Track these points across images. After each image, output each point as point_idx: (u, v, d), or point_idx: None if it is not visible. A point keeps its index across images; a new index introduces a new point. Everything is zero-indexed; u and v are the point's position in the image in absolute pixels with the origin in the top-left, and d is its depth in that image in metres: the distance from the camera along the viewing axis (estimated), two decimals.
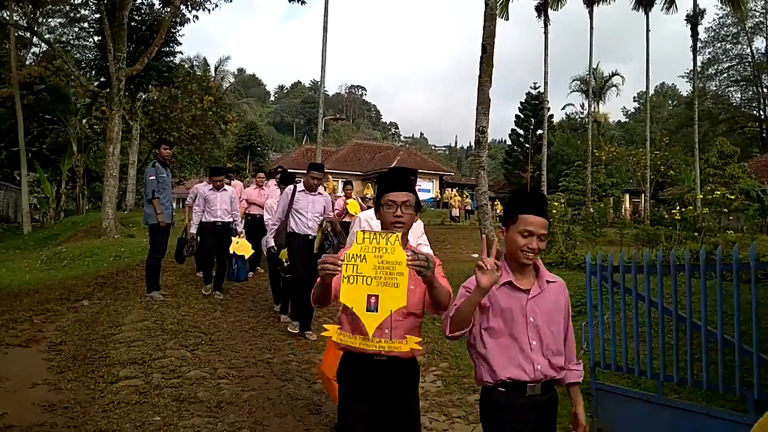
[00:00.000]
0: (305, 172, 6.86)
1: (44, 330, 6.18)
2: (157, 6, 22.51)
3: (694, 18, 32.58)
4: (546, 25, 33.84)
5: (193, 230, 8.03)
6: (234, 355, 5.58)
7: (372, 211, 4.64)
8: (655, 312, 4.23)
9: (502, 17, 30.58)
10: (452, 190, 38.34)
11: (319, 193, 6.78)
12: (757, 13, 43.84)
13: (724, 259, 3.86)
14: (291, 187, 6.84)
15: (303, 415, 4.36)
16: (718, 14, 44.38)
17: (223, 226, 8.08)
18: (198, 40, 69.66)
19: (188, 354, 5.48)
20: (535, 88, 49.65)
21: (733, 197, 12.66)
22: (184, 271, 9.46)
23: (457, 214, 30.02)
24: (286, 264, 6.75)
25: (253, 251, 8.56)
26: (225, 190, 8.18)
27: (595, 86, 42.73)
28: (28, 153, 21.85)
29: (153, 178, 7.63)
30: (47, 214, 24.39)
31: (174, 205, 8.38)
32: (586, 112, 41.51)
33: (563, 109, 73.42)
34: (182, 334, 6.13)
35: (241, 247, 8.12)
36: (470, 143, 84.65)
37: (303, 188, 6.74)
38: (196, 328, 6.43)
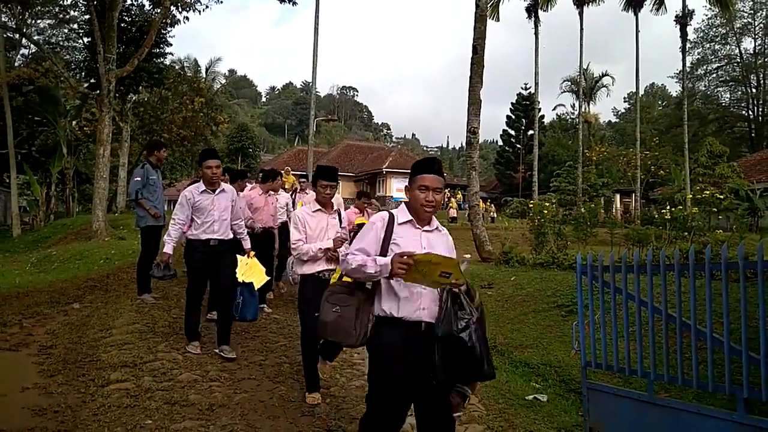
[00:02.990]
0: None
1: (34, 333, 6.13)
2: (147, 7, 22.46)
3: (683, 19, 32.87)
4: (536, 26, 34.07)
5: (168, 249, 5.58)
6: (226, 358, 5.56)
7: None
8: (645, 311, 4.26)
9: (492, 18, 30.71)
10: (447, 191, 38.35)
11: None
12: (746, 14, 44.28)
13: (713, 259, 3.89)
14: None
15: (295, 417, 4.35)
16: (706, 15, 44.85)
17: (220, 245, 5.62)
18: (189, 42, 69.58)
19: (180, 357, 5.46)
20: (526, 89, 49.92)
21: (722, 197, 12.76)
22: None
23: (455, 215, 30.10)
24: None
25: (268, 278, 6.13)
26: (224, 190, 5.72)
27: (586, 87, 42.99)
28: (18, 155, 21.67)
29: (138, 179, 7.55)
30: (37, 216, 24.19)
31: (166, 207, 8.19)
32: (576, 112, 41.76)
33: (554, 109, 73.69)
34: (173, 336, 6.10)
35: (251, 270, 5.65)
36: (462, 144, 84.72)
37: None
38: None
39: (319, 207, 4.74)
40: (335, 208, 5.37)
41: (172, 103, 28.08)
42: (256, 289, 5.61)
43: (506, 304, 8.42)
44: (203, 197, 5.56)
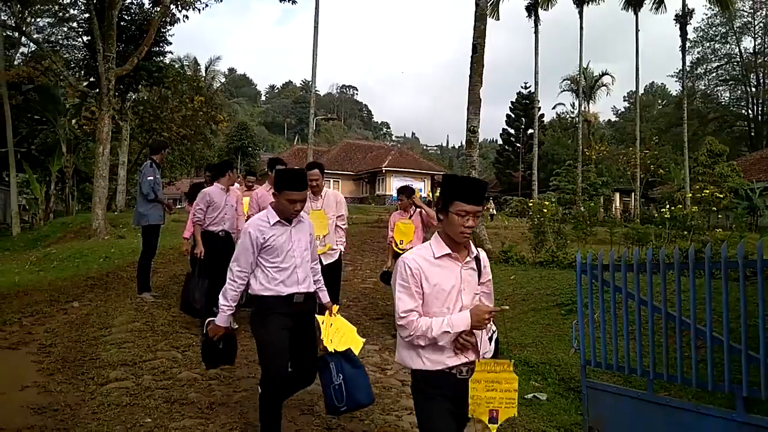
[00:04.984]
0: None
1: (34, 332, 6.14)
2: (146, 5, 22.47)
3: (683, 18, 32.86)
4: (536, 25, 34.04)
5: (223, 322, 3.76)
6: None
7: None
8: (644, 310, 4.26)
9: (492, 17, 30.68)
10: None
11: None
12: (745, 13, 44.30)
13: (712, 257, 3.88)
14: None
15: (294, 416, 4.35)
16: (706, 14, 44.86)
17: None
18: (188, 40, 69.43)
19: (179, 355, 5.46)
20: (526, 88, 49.92)
21: (722, 196, 12.79)
22: (174, 272, 9.41)
23: None
24: None
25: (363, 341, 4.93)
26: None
27: (586, 86, 42.98)
28: (17, 154, 21.67)
29: (151, 177, 7.59)
30: (36, 215, 24.21)
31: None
32: (576, 111, 41.77)
33: (554, 108, 73.71)
34: (173, 335, 6.10)
35: (339, 333, 3.98)
36: (462, 143, 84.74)
37: None
38: (186, 329, 6.39)
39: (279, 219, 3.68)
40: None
41: (171, 101, 28.06)
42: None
43: (506, 302, 8.41)
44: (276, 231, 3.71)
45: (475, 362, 2.55)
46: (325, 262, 5.57)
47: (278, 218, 3.59)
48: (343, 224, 6.16)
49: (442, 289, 2.56)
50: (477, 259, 2.71)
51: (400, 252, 6.38)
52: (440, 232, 2.67)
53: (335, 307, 4.02)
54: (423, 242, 5.91)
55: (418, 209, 6.93)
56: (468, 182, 2.60)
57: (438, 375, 2.56)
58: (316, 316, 3.95)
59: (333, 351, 3.81)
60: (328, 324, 3.93)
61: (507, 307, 2.97)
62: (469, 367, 2.57)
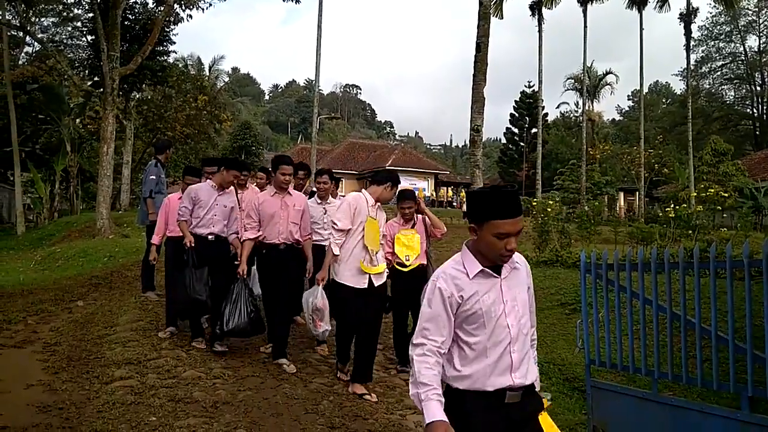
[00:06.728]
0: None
1: (39, 331, 6.16)
2: (150, 5, 22.51)
3: (688, 16, 32.75)
4: (540, 24, 33.94)
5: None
6: (229, 355, 5.56)
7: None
8: (649, 309, 4.25)
9: (496, 16, 30.63)
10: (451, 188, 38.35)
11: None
12: (750, 12, 44.02)
13: (717, 257, 3.87)
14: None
15: (299, 415, 4.36)
16: (711, 13, 44.66)
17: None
18: (192, 40, 69.45)
19: (183, 354, 5.47)
20: (530, 87, 49.71)
21: (726, 195, 12.71)
22: None
23: None
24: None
25: None
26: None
27: (590, 85, 42.86)
28: (22, 153, 21.73)
29: (153, 177, 7.63)
30: (41, 214, 24.27)
31: None
32: (580, 110, 41.69)
33: (558, 107, 73.73)
34: (177, 334, 6.11)
35: None
36: (465, 142, 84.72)
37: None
38: (190, 328, 6.39)
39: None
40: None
41: (175, 101, 28.07)
42: None
43: None
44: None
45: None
46: (376, 283, 4.90)
47: (481, 266, 2.30)
48: None
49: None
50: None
51: (404, 270, 5.50)
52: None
53: (546, 401, 2.56)
54: (427, 256, 5.66)
55: (422, 216, 5.73)
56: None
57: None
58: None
59: None
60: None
61: None
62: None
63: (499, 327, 2.25)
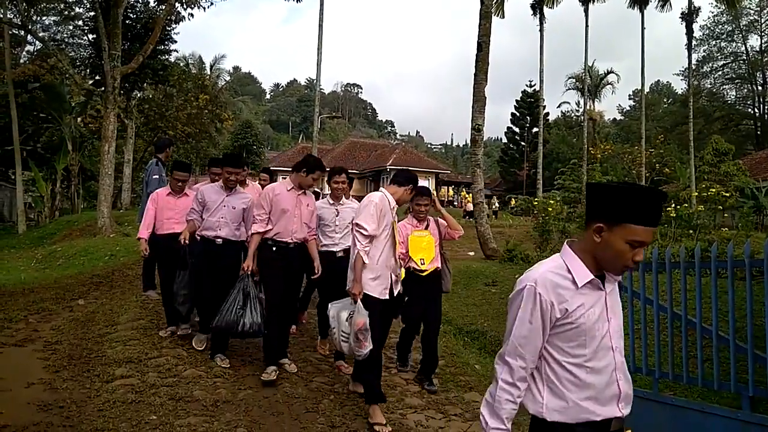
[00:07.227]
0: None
1: (39, 329, 6.16)
2: (152, 4, 22.52)
3: (689, 16, 32.72)
4: (541, 23, 33.96)
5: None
6: (230, 354, 5.57)
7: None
8: (650, 309, 4.25)
9: (497, 15, 30.59)
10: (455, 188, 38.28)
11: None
12: (752, 11, 43.96)
13: (718, 257, 3.87)
14: None
15: (299, 414, 4.36)
16: (712, 12, 44.62)
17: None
18: (193, 39, 69.61)
19: (184, 353, 5.47)
20: (531, 86, 49.75)
21: (728, 195, 12.72)
22: None
23: (471, 209, 30.07)
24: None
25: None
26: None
27: (591, 84, 42.87)
28: (23, 152, 21.74)
29: (156, 177, 7.63)
30: (42, 213, 24.27)
31: None
32: (581, 109, 41.67)
33: (559, 107, 73.68)
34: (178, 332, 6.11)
35: None
36: (466, 141, 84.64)
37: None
38: (192, 327, 6.40)
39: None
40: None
41: (176, 100, 28.09)
42: None
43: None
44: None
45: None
46: (395, 291, 4.55)
47: (592, 274, 1.91)
48: None
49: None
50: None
51: (420, 274, 5.15)
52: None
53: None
54: (442, 258, 5.30)
55: (434, 216, 5.40)
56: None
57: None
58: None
59: None
60: None
61: None
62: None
63: (603, 349, 1.89)
